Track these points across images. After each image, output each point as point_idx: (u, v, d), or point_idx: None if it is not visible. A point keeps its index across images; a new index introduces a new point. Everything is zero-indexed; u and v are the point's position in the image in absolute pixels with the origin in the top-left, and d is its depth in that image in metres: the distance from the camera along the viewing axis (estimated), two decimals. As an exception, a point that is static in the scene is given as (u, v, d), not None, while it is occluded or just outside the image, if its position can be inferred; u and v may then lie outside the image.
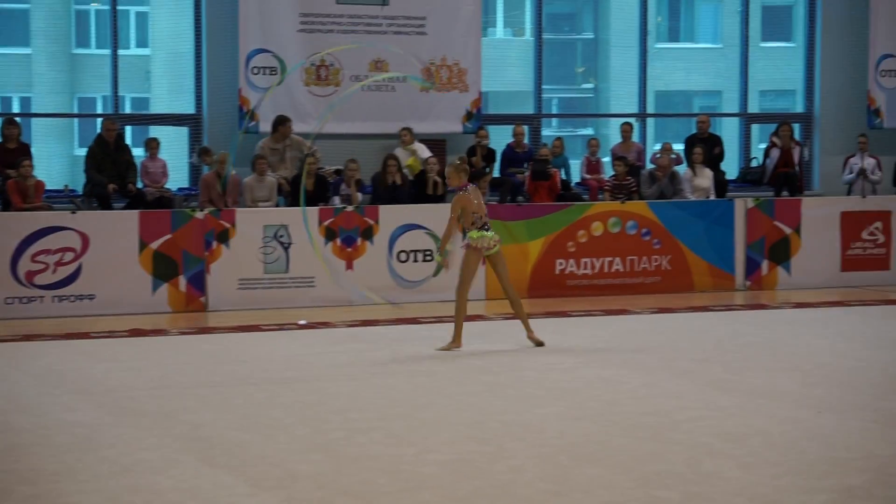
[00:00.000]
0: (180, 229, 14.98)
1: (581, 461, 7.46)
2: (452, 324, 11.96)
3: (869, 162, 19.43)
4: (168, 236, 14.94)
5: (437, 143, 19.12)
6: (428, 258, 15.69)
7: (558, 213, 16.35)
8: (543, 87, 20.79)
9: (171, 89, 19.36)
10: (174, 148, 18.33)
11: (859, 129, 20.51)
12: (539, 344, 11.97)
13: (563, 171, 19.05)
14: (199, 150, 17.47)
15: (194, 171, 18.07)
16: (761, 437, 7.97)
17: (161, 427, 8.56)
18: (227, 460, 7.64)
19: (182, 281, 14.95)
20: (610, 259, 16.36)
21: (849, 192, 19.14)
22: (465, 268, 12.00)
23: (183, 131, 18.58)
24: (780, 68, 23.14)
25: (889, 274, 17.10)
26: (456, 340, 11.91)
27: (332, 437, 8.19)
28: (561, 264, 16.16)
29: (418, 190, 17.35)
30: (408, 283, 15.62)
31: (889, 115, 20.73)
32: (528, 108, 20.85)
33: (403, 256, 15.66)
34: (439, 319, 13.84)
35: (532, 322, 12.46)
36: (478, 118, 19.34)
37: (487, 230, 11.97)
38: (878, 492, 6.73)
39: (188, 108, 18.56)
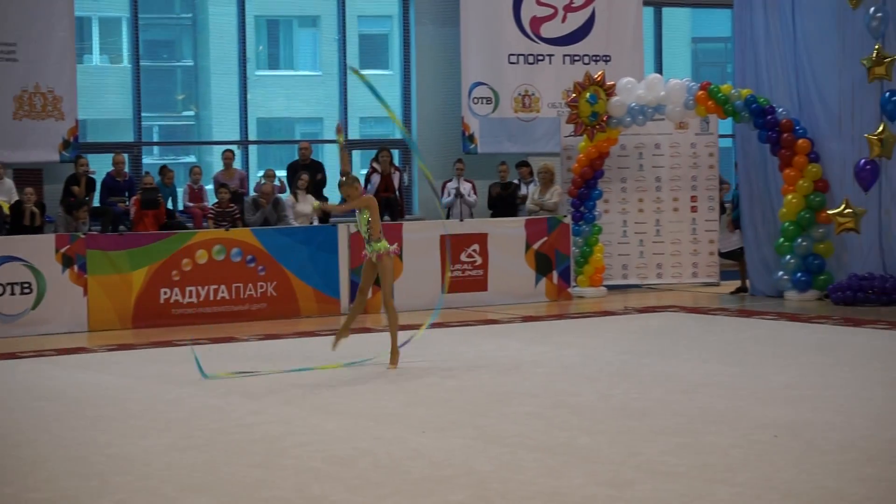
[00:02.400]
0: None
1: (188, 492, 7.35)
2: (56, 356, 11.60)
3: (465, 186, 20.09)
4: None
5: (32, 173, 18.59)
6: (26, 291, 15.14)
7: (162, 241, 16.10)
8: (143, 114, 20.57)
9: None
10: None
11: (456, 154, 21.19)
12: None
13: (169, 200, 18.88)
14: None
15: None
16: (368, 458, 8.07)
17: None
18: None
19: None
20: (215, 287, 16.24)
21: (448, 216, 19.72)
22: (389, 276, 12.19)
23: None
24: (378, 95, 23.59)
25: (487, 294, 17.66)
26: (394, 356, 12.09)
27: (-76, 482, 7.78)
28: (166, 293, 15.93)
29: (14, 221, 16.81)
30: (5, 317, 15.04)
31: (483, 141, 21.51)
32: (128, 136, 20.56)
33: (0, 290, 15.07)
34: (39, 353, 13.43)
35: (135, 353, 12.15)
36: (75, 147, 18.93)
37: (368, 244, 12.22)
38: (480, 505, 6.93)
39: None
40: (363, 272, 12.36)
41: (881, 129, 16.09)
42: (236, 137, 21.36)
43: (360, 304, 12.33)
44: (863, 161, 16.25)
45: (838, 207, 16.58)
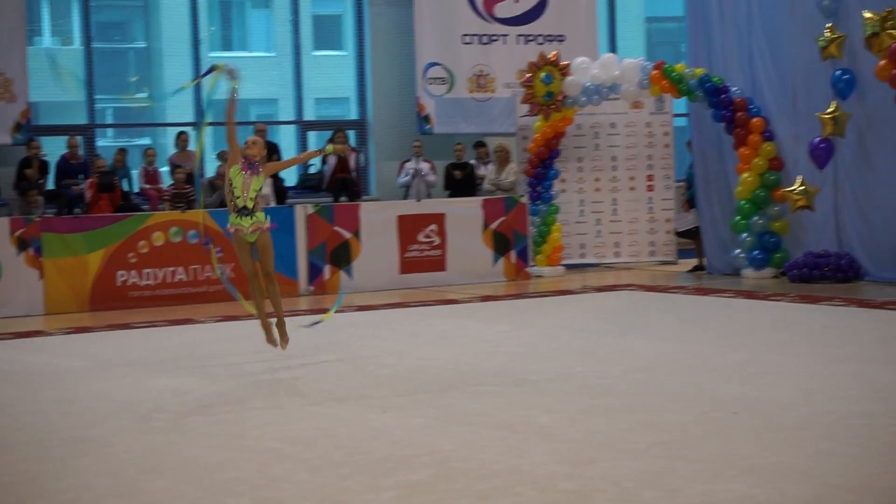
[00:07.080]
0: None
1: (149, 473, 7.32)
2: (12, 340, 11.52)
3: (424, 166, 20.09)
4: None
5: (-15, 155, 18.45)
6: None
7: (118, 224, 16.03)
8: (96, 96, 20.41)
9: None
10: None
11: (412, 135, 21.18)
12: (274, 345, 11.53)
13: (124, 182, 18.79)
14: None
15: None
16: (328, 439, 8.06)
17: None
18: None
19: None
20: (172, 269, 16.19)
21: (405, 196, 19.71)
22: (272, 247, 11.54)
23: None
24: (332, 76, 23.58)
25: (445, 274, 17.67)
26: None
27: None
28: (122, 276, 15.86)
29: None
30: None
31: (439, 121, 21.49)
32: (82, 119, 20.41)
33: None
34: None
35: (92, 336, 12.10)
36: (28, 129, 18.79)
37: (245, 216, 11.28)
38: (441, 485, 6.93)
39: None
40: (239, 252, 11.56)
41: (833, 107, 16.18)
42: (190, 119, 21.25)
43: (258, 289, 11.66)
44: (817, 139, 16.33)
45: (793, 185, 16.68)
